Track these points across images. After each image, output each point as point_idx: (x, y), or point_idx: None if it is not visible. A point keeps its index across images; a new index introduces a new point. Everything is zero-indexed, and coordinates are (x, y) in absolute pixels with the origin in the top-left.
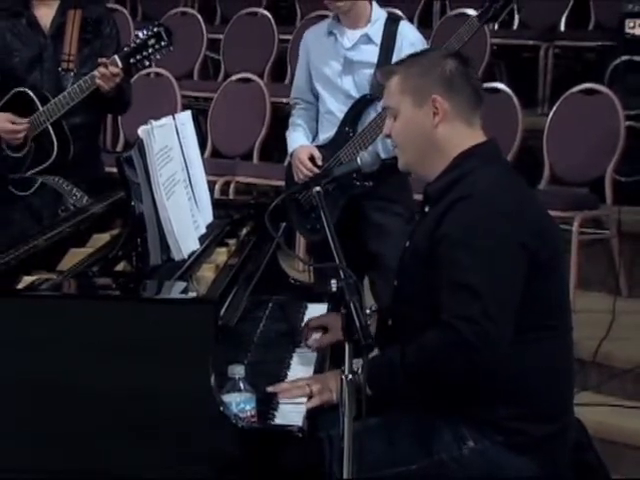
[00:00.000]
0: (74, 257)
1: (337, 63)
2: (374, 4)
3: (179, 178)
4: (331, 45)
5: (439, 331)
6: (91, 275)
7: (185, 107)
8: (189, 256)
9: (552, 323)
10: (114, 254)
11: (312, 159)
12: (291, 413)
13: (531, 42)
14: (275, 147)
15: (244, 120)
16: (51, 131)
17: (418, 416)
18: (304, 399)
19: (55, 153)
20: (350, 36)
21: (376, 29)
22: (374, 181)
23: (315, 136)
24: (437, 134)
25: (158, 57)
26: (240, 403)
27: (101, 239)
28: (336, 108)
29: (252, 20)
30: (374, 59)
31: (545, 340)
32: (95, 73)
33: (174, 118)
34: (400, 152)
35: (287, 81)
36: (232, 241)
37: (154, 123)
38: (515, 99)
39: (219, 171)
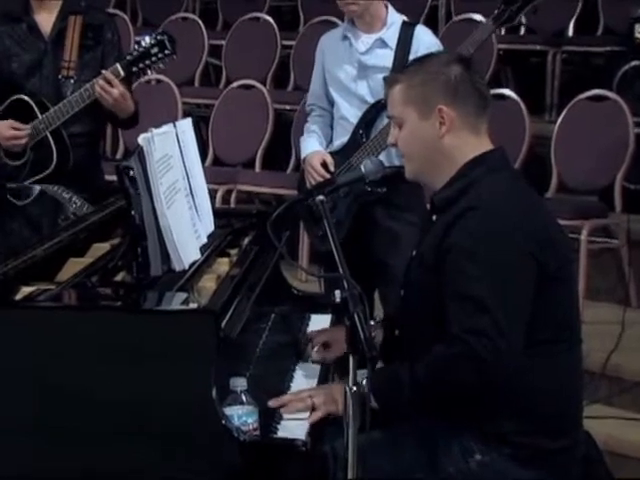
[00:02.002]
0: (73, 267)
1: (351, 67)
2: (390, 8)
3: (180, 187)
4: (346, 49)
5: (448, 344)
6: (90, 286)
7: (186, 114)
8: (190, 266)
9: (562, 336)
10: (114, 264)
11: (325, 165)
12: (294, 426)
13: (538, 47)
14: (277, 155)
15: (246, 127)
16: (50, 139)
17: (424, 428)
18: (307, 412)
19: (54, 162)
20: (365, 40)
21: (391, 33)
22: (387, 188)
23: (330, 143)
24: (444, 144)
25: (161, 66)
26: (242, 416)
27: (101, 249)
28: (350, 113)
29: (254, 25)
30: (389, 64)
31: (554, 353)
32: (95, 84)
33: (175, 125)
34: (407, 161)
35: (290, 88)
36: (234, 251)
37: (154, 131)
38: (522, 105)
39: (220, 179)
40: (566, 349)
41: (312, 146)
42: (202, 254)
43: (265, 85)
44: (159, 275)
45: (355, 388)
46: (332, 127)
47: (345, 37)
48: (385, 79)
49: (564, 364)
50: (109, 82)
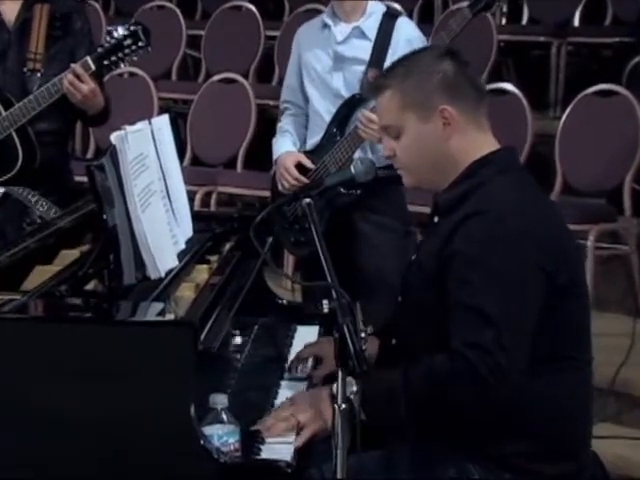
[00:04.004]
0: (40, 275)
1: (327, 58)
2: None
3: (156, 188)
4: (324, 39)
5: (447, 359)
6: (59, 295)
7: (162, 110)
8: (166, 274)
9: (571, 353)
10: (84, 272)
11: (300, 167)
12: (279, 446)
13: (542, 38)
14: (261, 154)
15: (227, 124)
16: (15, 138)
17: (419, 449)
18: (293, 432)
19: (20, 162)
20: (342, 29)
21: (370, 23)
22: (362, 190)
23: (303, 143)
24: (450, 146)
25: (135, 59)
26: (223, 436)
27: (70, 255)
28: (324, 109)
29: (236, 15)
30: (366, 56)
31: (562, 371)
32: (64, 79)
33: (150, 123)
34: (408, 173)
35: (274, 82)
36: (214, 258)
37: (128, 128)
38: (524, 101)
39: (200, 180)
40: (575, 367)
41: (285, 146)
42: (180, 261)
43: (247, 79)
44: (133, 284)
45: (344, 405)
46: (307, 127)
47: (325, 25)
48: (370, 87)
49: (572, 383)
50: (78, 77)
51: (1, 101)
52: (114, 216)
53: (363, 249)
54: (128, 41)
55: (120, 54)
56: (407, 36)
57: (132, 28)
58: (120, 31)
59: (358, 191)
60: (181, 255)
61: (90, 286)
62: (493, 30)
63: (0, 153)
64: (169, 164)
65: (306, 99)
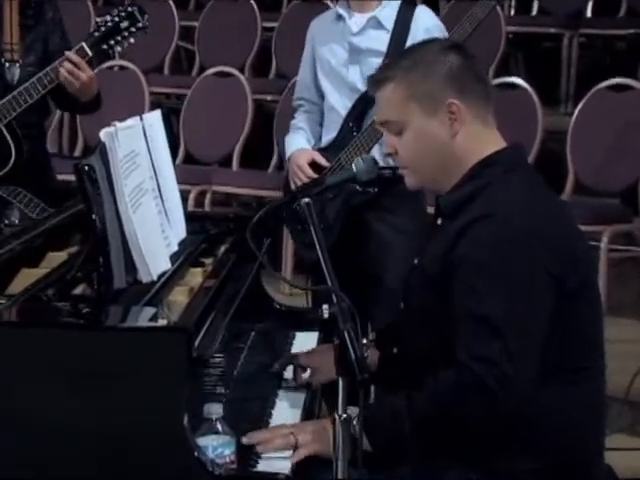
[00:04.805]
0: (26, 279)
1: (343, 50)
2: None
3: (147, 188)
4: (339, 31)
5: (453, 372)
6: (46, 299)
7: (154, 106)
8: (159, 277)
9: (582, 363)
10: (72, 275)
11: (314, 165)
12: (276, 459)
13: (553, 30)
14: (258, 152)
15: (222, 120)
16: (6, 133)
17: (423, 466)
18: (289, 449)
19: (13, 158)
20: (358, 20)
21: (388, 13)
22: (379, 188)
23: (318, 140)
24: (456, 143)
25: (132, 41)
26: (217, 447)
27: (57, 258)
28: (340, 104)
29: (231, 5)
30: (384, 47)
31: (573, 381)
32: (60, 68)
33: (141, 119)
34: (411, 173)
35: (271, 75)
36: (208, 260)
37: (118, 125)
38: (534, 96)
39: (193, 179)
40: (587, 378)
41: (298, 143)
42: (173, 264)
43: (243, 73)
44: (124, 288)
45: (345, 415)
46: (322, 125)
47: (339, 16)
48: (371, 80)
49: (584, 393)
50: (76, 65)
51: None
52: (103, 217)
53: (375, 251)
54: (125, 23)
55: (118, 37)
56: (426, 25)
57: (129, 9)
58: (116, 13)
59: (375, 189)
60: (174, 257)
61: (78, 290)
62: (502, 21)
63: None
64: (161, 162)
65: (321, 95)
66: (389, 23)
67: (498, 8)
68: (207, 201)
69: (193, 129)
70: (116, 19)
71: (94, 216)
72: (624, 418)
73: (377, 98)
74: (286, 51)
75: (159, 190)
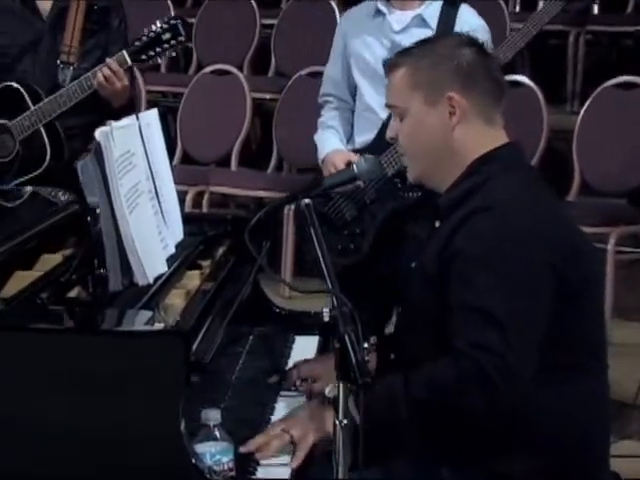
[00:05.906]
0: (20, 281)
1: (382, 48)
2: None
3: (143, 188)
4: (376, 27)
5: (451, 360)
6: (40, 303)
7: (151, 104)
8: (155, 280)
9: (584, 361)
10: (67, 278)
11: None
12: (276, 466)
13: (559, 27)
14: (257, 152)
15: (220, 120)
16: (44, 133)
17: (421, 467)
18: (288, 449)
19: (48, 159)
20: (400, 18)
21: (432, 11)
22: (422, 192)
23: (350, 139)
24: (453, 137)
25: (173, 54)
26: (215, 454)
27: (51, 260)
28: (377, 103)
29: (230, 2)
30: None
31: (576, 381)
32: (98, 72)
33: (137, 118)
34: (409, 160)
35: (270, 73)
36: (206, 263)
37: (114, 124)
38: (539, 94)
39: (191, 180)
40: (590, 376)
41: (333, 143)
42: (169, 266)
43: (242, 70)
44: (119, 291)
45: (346, 421)
46: (352, 124)
47: (378, 12)
48: (385, 63)
49: (587, 393)
50: (114, 72)
51: (29, 94)
52: (99, 218)
53: (412, 254)
54: (167, 35)
55: (158, 49)
56: (471, 25)
57: (172, 22)
58: (158, 24)
59: (419, 193)
60: (171, 260)
61: (73, 293)
62: (506, 17)
63: (27, 149)
64: (158, 162)
65: (351, 92)
66: (433, 22)
67: (502, 4)
68: (205, 202)
69: (190, 128)
70: (159, 30)
71: (89, 217)
72: (633, 424)
73: (388, 82)
74: (285, 49)
75: (156, 191)
